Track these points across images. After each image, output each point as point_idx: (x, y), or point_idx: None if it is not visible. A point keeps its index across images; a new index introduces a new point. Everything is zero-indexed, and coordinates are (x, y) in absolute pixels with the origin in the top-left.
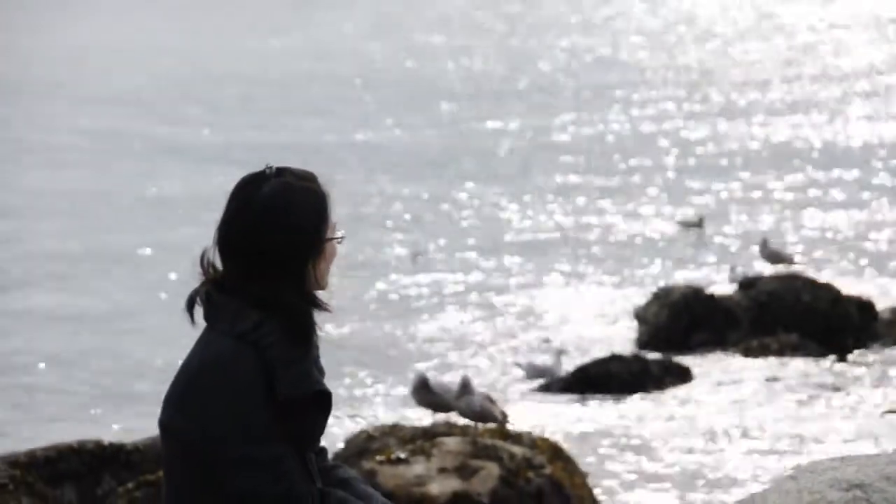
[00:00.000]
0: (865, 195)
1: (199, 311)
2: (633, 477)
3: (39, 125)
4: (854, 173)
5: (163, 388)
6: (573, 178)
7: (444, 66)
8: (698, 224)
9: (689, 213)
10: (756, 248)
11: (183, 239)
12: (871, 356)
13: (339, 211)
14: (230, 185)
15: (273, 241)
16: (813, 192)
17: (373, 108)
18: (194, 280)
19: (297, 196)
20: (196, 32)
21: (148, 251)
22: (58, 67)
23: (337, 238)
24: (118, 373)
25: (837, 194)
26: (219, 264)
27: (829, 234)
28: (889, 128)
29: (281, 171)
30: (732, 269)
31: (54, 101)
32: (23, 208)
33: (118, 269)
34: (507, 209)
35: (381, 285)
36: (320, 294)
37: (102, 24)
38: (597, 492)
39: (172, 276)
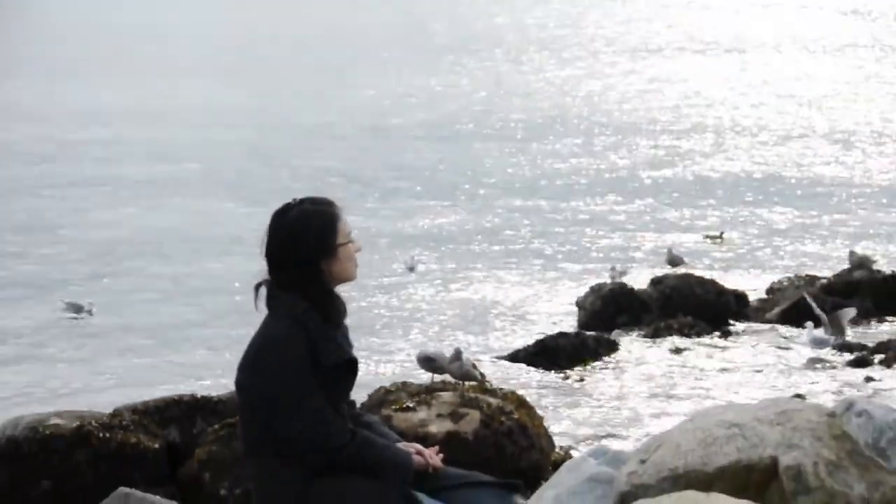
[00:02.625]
0: (744, 213)
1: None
2: (575, 419)
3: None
4: (730, 198)
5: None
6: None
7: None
8: (720, 237)
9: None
10: (664, 255)
11: None
12: (744, 332)
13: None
14: None
15: (292, 251)
16: (706, 213)
17: None
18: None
19: (308, 218)
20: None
21: None
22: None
23: (348, 243)
24: (213, 341)
25: (721, 215)
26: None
27: (714, 246)
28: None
29: (302, 201)
30: (612, 269)
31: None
32: None
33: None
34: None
35: (387, 284)
36: (348, 285)
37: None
38: (551, 430)
39: None
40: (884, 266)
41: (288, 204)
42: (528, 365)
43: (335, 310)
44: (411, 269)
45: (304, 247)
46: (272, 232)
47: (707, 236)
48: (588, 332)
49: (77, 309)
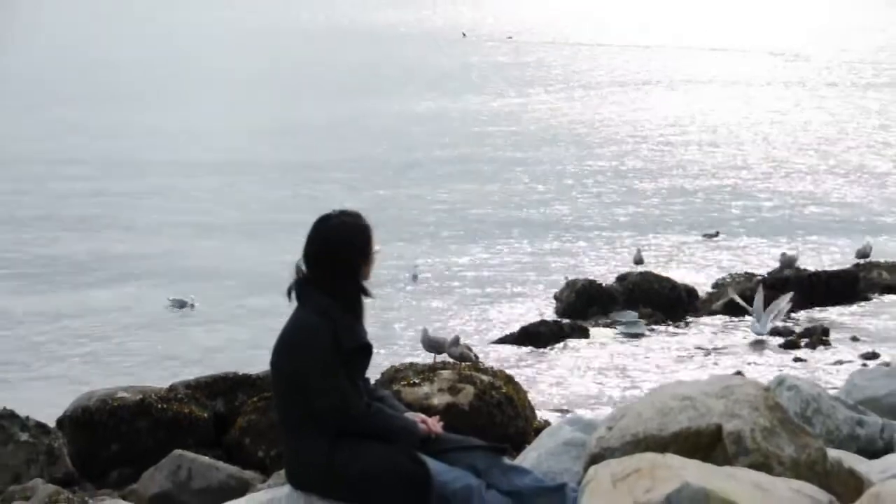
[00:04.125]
0: (700, 219)
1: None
2: (554, 393)
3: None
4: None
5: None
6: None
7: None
8: (715, 234)
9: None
10: (631, 256)
11: None
12: (693, 321)
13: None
14: None
15: (336, 256)
16: (659, 218)
17: None
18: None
19: (351, 228)
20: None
21: None
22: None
23: (377, 251)
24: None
25: (681, 218)
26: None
27: (672, 249)
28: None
29: (340, 213)
30: (541, 280)
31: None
32: None
33: None
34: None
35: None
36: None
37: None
38: (533, 402)
39: None
40: (808, 265)
41: (329, 214)
42: (515, 347)
43: (361, 304)
44: (414, 278)
45: (348, 253)
46: (317, 238)
47: (704, 234)
48: (564, 321)
49: (181, 304)
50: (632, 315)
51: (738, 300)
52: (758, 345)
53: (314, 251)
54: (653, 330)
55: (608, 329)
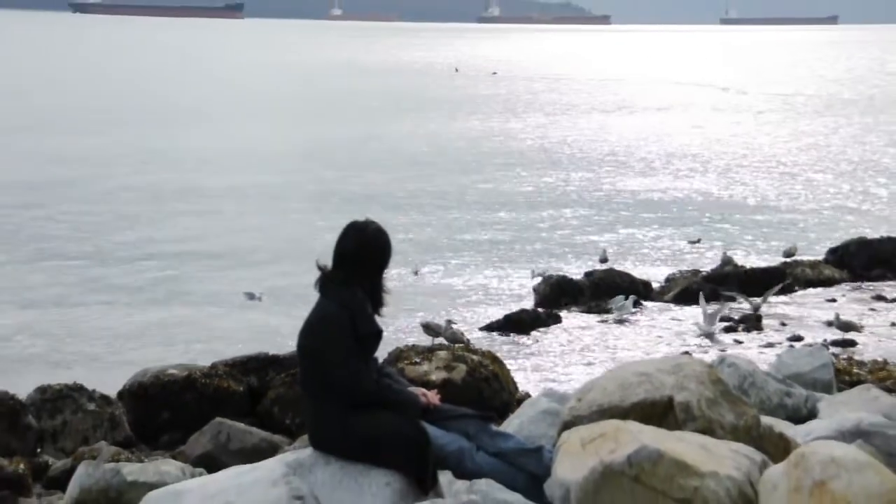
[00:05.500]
0: (654, 224)
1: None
2: (533, 370)
3: None
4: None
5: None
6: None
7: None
8: (698, 241)
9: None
10: (597, 255)
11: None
12: (649, 309)
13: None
14: None
15: (372, 257)
16: (631, 219)
17: None
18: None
19: (383, 236)
20: None
21: None
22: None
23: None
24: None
25: (658, 221)
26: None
27: (632, 247)
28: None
29: (370, 223)
30: (535, 268)
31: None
32: None
33: None
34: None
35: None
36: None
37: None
38: (515, 378)
39: None
40: (744, 262)
41: (364, 223)
42: (499, 332)
43: (380, 297)
44: (415, 273)
45: (382, 257)
46: (356, 241)
47: (689, 241)
48: (541, 309)
49: (251, 296)
50: (620, 299)
51: (701, 294)
52: (702, 329)
53: (351, 251)
54: (634, 313)
55: (579, 316)
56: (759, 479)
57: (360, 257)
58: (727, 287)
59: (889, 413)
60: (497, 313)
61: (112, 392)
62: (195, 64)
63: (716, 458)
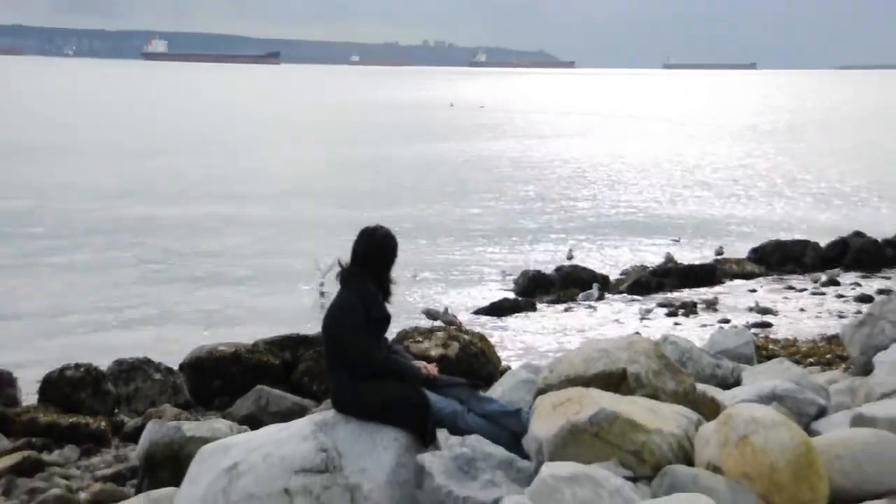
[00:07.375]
0: (607, 229)
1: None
2: (513, 347)
3: None
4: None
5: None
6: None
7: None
8: (570, 256)
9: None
10: (564, 254)
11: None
12: (607, 298)
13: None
14: None
15: (384, 255)
16: (594, 224)
17: None
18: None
19: (391, 238)
20: None
21: None
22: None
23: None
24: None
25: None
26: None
27: (593, 245)
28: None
29: (380, 226)
30: (503, 271)
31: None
32: None
33: None
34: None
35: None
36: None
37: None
38: (500, 354)
39: None
40: (682, 259)
41: (375, 227)
42: (486, 316)
43: (389, 289)
44: (414, 277)
45: (391, 256)
46: (370, 242)
47: (672, 239)
48: (520, 298)
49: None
50: (592, 292)
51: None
52: (650, 314)
53: (363, 251)
54: (597, 300)
55: (550, 304)
56: (695, 435)
57: (371, 256)
58: (668, 280)
59: (798, 380)
60: (484, 301)
61: (174, 364)
62: (244, 104)
63: (660, 417)
